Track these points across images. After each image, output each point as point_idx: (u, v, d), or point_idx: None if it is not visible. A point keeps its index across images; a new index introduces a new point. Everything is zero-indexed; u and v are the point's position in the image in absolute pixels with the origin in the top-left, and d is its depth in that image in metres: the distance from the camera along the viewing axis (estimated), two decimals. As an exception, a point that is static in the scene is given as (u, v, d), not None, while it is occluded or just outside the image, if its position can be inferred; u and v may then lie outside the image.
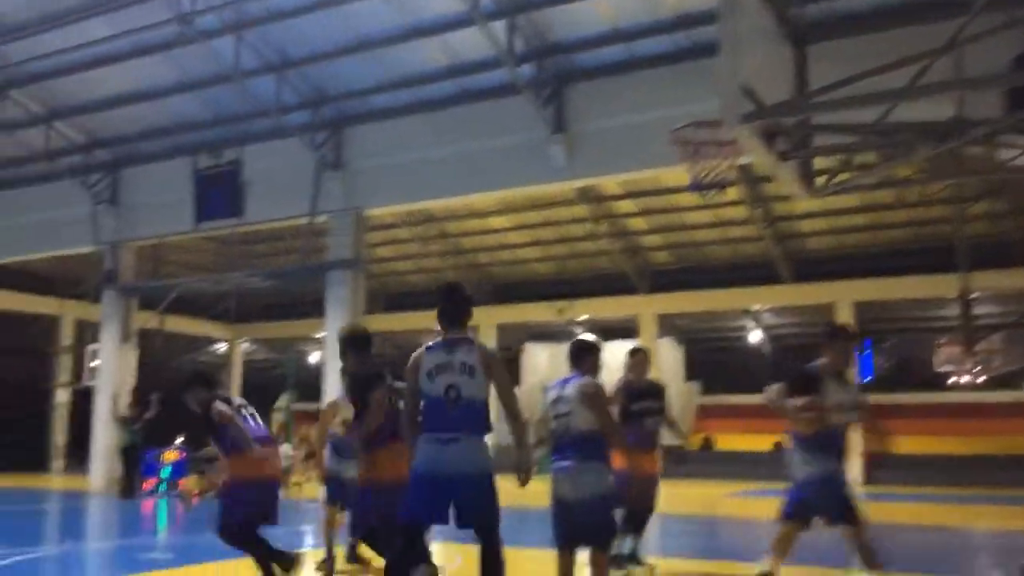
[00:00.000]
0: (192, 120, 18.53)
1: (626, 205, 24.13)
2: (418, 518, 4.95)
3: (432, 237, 27.39)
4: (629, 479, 7.02)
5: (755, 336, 31.96)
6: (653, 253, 26.91)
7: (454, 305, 5.31)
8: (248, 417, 6.66)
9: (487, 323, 30.25)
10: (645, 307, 27.08)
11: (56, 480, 23.52)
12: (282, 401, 24.77)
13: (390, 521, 5.30)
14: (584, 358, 6.16)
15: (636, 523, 7.79)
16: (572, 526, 5.79)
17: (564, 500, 5.81)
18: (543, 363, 32.34)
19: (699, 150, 7.90)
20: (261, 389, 36.26)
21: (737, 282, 25.62)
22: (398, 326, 31.43)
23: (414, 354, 5.21)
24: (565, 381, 6.04)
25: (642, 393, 7.89)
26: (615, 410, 7.41)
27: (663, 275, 27.19)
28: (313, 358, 36.13)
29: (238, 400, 6.89)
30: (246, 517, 6.42)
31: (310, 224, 17.65)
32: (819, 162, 8.79)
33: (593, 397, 5.92)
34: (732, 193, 19.98)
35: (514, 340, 32.89)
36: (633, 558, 7.78)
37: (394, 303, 30.92)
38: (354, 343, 6.29)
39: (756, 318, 30.28)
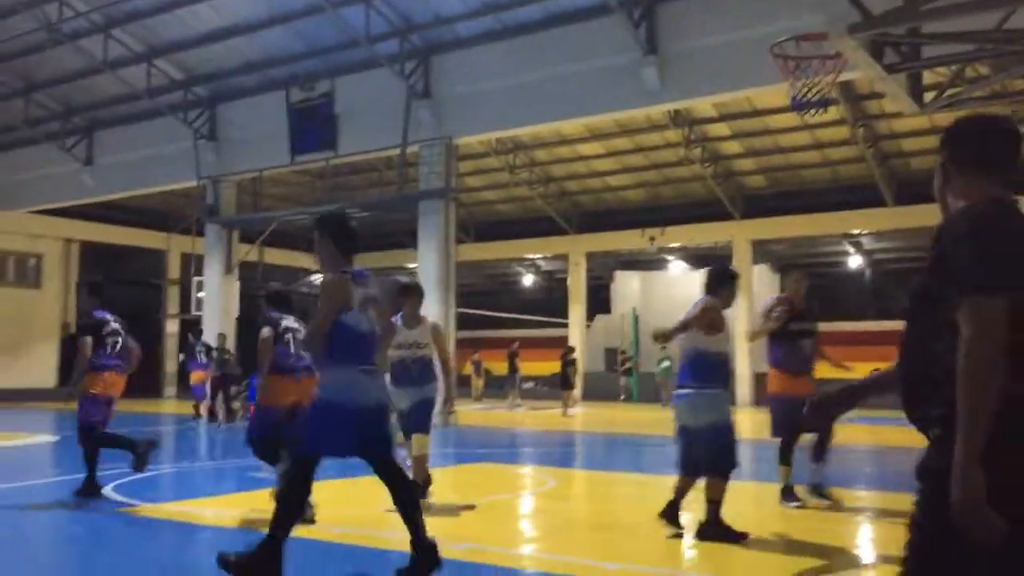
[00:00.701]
0: (285, 53, 18.76)
1: (720, 128, 23.50)
2: (328, 450, 4.68)
3: (521, 165, 27.29)
4: (789, 403, 6.88)
5: (855, 262, 31.04)
6: (747, 177, 26.24)
7: (353, 235, 4.92)
8: (288, 342, 6.85)
9: (576, 251, 30.20)
10: (739, 233, 26.55)
11: (168, 404, 24.85)
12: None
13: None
14: (724, 285, 6.03)
15: (817, 450, 7.27)
16: (692, 454, 5.82)
17: (685, 428, 5.84)
18: (634, 291, 32.25)
19: (801, 66, 7.58)
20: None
21: (836, 206, 24.81)
22: (487, 255, 31.71)
23: (334, 281, 4.71)
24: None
25: (801, 314, 7.43)
26: (768, 327, 7.22)
27: (758, 200, 26.54)
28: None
29: (287, 323, 6.96)
30: (264, 436, 6.72)
31: (401, 155, 17.78)
32: (928, 76, 8.37)
33: (712, 319, 5.81)
34: (832, 112, 19.22)
35: (603, 268, 32.81)
36: (817, 489, 7.32)
37: (483, 233, 31.13)
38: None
39: (856, 243, 29.35)
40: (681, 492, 5.91)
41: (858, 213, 24.90)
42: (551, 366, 26.80)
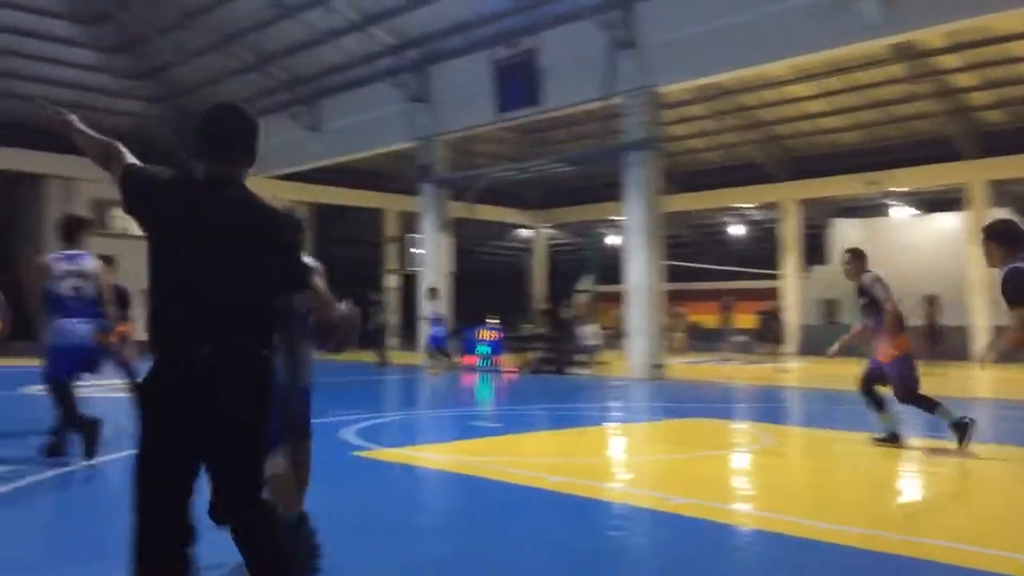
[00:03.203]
0: (491, 11, 19.10)
1: (950, 59, 21.50)
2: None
3: (727, 112, 26.35)
4: None
5: (1114, 201, 27.60)
6: (984, 113, 23.87)
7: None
8: None
9: (789, 199, 28.89)
10: (974, 174, 24.29)
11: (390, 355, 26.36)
12: (585, 283, 25.69)
13: None
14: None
15: None
16: None
17: None
18: (854, 239, 30.42)
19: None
20: (563, 273, 37.83)
21: (1091, 138, 22.12)
22: (693, 205, 30.99)
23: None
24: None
25: None
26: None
27: (995, 136, 24.08)
28: (612, 240, 36.90)
29: None
30: None
31: (605, 107, 17.67)
32: None
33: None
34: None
35: (819, 216, 31.18)
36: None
37: (688, 183, 30.42)
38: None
39: (1115, 179, 26.03)
40: None
41: (1119, 145, 22.08)
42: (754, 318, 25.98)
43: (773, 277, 29.59)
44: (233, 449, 2.74)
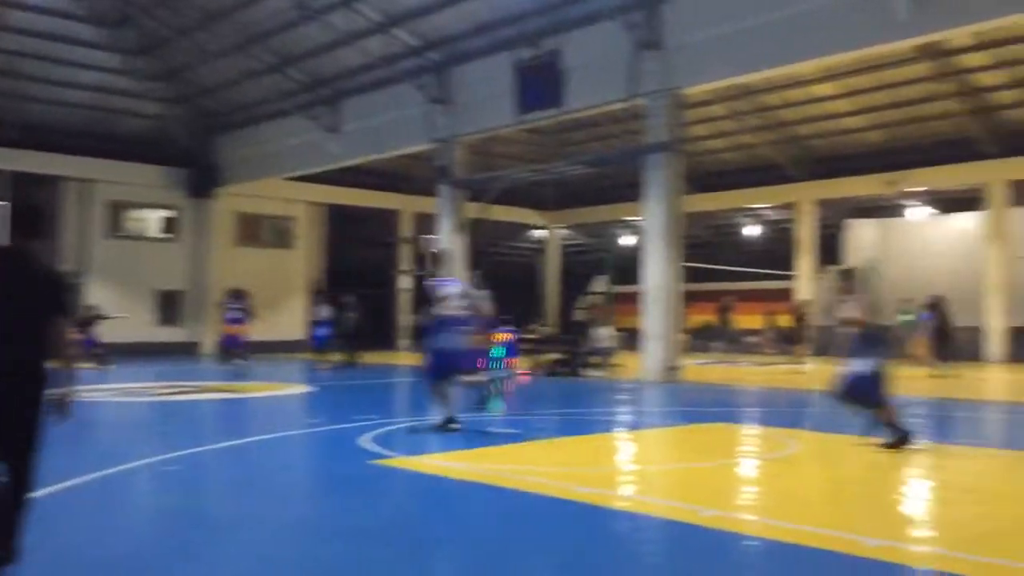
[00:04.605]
0: (513, 13, 19.00)
1: (976, 58, 21.28)
2: None
3: (748, 112, 26.20)
4: None
5: None
6: (1008, 112, 23.64)
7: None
8: None
9: (804, 199, 28.71)
10: (995, 173, 24.08)
11: (402, 356, 26.32)
12: (599, 284, 25.57)
13: None
14: None
15: None
16: None
17: None
18: (869, 240, 30.21)
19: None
20: (576, 273, 37.72)
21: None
22: (710, 206, 30.81)
23: None
24: None
25: None
26: None
27: (1019, 136, 23.88)
28: (626, 241, 36.74)
29: None
30: None
31: (626, 108, 17.55)
32: None
33: None
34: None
35: (836, 216, 30.95)
36: None
37: (707, 183, 30.24)
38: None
39: None
40: None
41: None
42: (775, 320, 25.81)
43: (787, 278, 29.40)
44: None
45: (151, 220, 28.33)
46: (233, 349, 18.97)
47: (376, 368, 19.03)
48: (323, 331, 20.59)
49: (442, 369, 8.87)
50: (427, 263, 23.88)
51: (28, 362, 3.89)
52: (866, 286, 8.24)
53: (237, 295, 19.79)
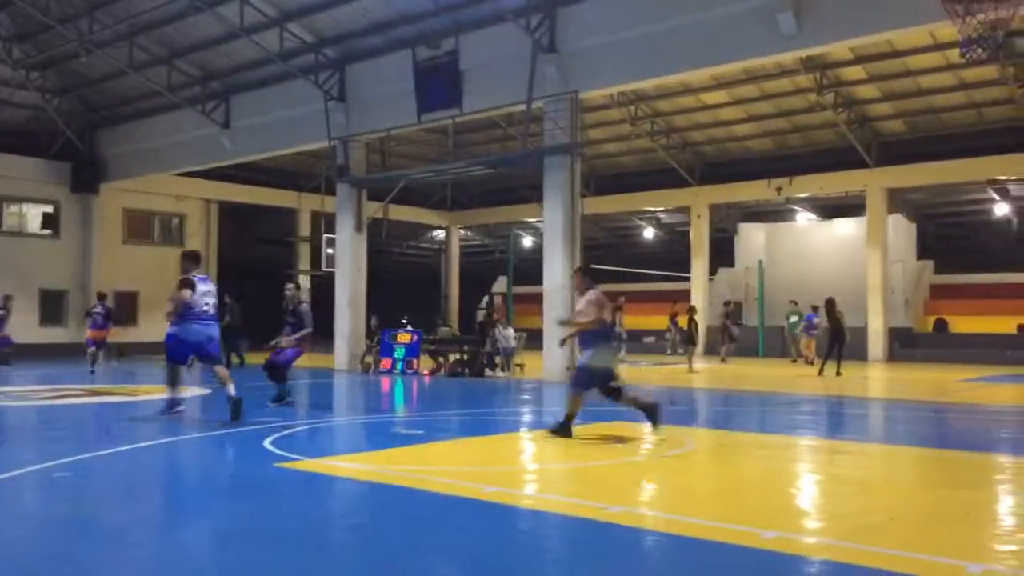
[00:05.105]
0: (411, 11, 18.91)
1: (855, 72, 22.46)
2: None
3: (643, 117, 26.85)
4: None
5: (1000, 210, 29.31)
6: (884, 123, 25.03)
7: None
8: None
9: (698, 203, 29.59)
10: (873, 181, 25.45)
11: (304, 358, 25.82)
12: (501, 285, 25.80)
13: None
14: None
15: None
16: None
17: None
18: (758, 244, 31.43)
19: (970, 6, 7.13)
20: (478, 274, 37.85)
21: (981, 151, 23.46)
22: (608, 208, 31.45)
23: None
24: None
25: None
26: None
27: (894, 146, 25.34)
28: (527, 242, 37.09)
29: None
30: None
31: (527, 110, 17.73)
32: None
33: None
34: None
35: (727, 221, 32.07)
36: None
37: (603, 186, 30.86)
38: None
39: (1002, 190, 27.66)
40: None
41: (1005, 158, 23.46)
42: (675, 320, 26.57)
43: (685, 279, 30.25)
44: None
45: (31, 215, 26.98)
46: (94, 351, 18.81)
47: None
48: None
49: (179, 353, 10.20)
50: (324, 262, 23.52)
51: None
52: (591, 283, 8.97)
53: (101, 298, 19.78)
